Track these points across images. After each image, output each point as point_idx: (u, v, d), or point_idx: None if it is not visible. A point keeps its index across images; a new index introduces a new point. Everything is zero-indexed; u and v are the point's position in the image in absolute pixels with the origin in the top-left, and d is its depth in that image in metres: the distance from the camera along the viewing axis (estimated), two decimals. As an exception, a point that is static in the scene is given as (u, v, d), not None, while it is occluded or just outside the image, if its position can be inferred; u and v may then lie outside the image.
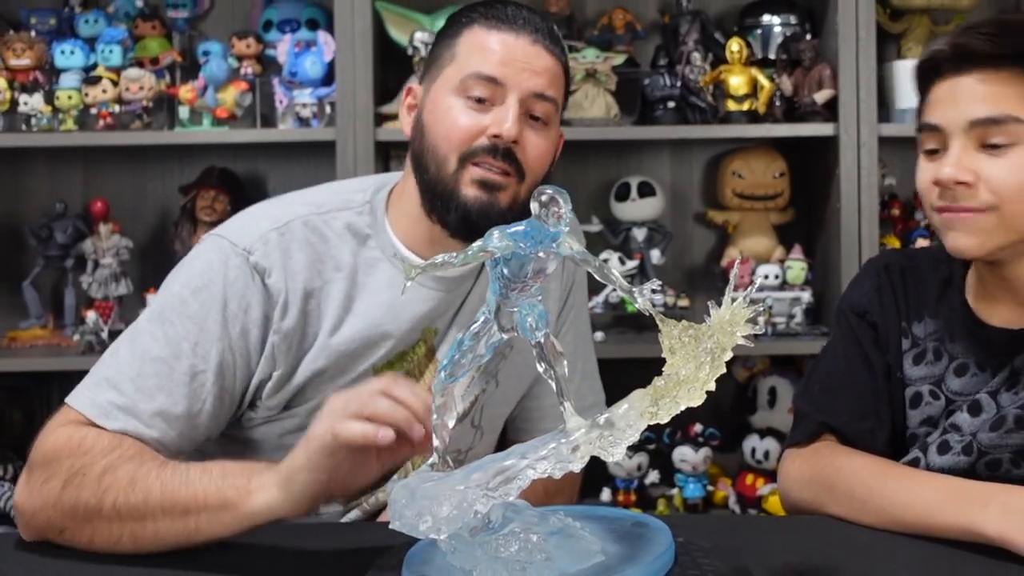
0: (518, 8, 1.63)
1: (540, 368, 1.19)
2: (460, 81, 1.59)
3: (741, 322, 1.13)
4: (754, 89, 2.92)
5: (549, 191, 1.15)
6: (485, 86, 1.58)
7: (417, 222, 1.66)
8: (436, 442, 1.26)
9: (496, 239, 1.16)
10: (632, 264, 3.01)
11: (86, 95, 2.88)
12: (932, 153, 1.54)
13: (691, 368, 1.13)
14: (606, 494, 2.95)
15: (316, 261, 1.62)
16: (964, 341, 1.62)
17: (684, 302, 2.98)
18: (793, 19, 3.08)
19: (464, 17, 1.65)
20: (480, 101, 1.59)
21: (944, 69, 1.52)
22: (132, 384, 1.51)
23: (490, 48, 1.60)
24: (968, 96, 1.49)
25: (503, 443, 1.88)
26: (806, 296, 2.89)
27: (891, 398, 1.65)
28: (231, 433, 1.66)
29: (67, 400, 1.53)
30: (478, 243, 1.16)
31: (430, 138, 1.61)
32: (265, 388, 1.61)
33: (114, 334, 2.85)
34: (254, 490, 1.35)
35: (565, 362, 1.20)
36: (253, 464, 1.41)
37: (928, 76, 1.56)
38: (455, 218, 1.59)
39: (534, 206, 1.15)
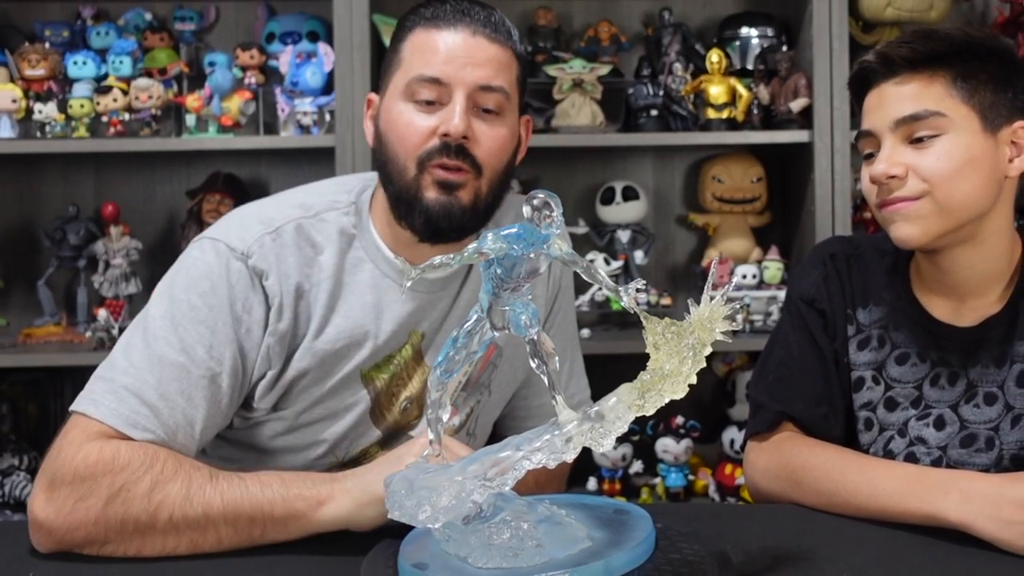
0: (457, 3, 1.58)
1: (533, 364, 1.19)
2: (406, 86, 1.55)
3: (719, 319, 1.13)
4: (733, 98, 2.93)
5: (541, 195, 1.14)
6: (430, 88, 1.53)
7: (392, 225, 1.62)
8: (431, 435, 1.26)
9: (490, 241, 1.15)
10: (617, 264, 3.02)
11: (97, 104, 2.87)
12: (870, 157, 1.59)
13: (675, 363, 1.13)
14: (592, 483, 2.95)
15: (305, 264, 1.58)
16: (907, 331, 1.64)
17: (666, 300, 2.98)
18: (770, 31, 3.09)
19: (408, 21, 1.60)
20: (429, 103, 1.54)
21: (872, 79, 1.59)
22: (155, 391, 1.45)
23: (430, 49, 1.55)
24: (893, 99, 1.56)
25: (491, 441, 1.89)
26: (782, 295, 2.89)
27: (842, 383, 1.67)
28: (223, 435, 1.62)
29: (84, 410, 1.44)
30: (473, 245, 1.15)
31: (389, 147, 1.57)
32: (258, 388, 1.58)
33: (124, 331, 2.86)
34: (324, 501, 1.36)
35: (556, 358, 1.20)
36: (312, 474, 1.41)
37: (860, 88, 1.62)
38: (420, 222, 1.55)
39: (526, 209, 1.15)
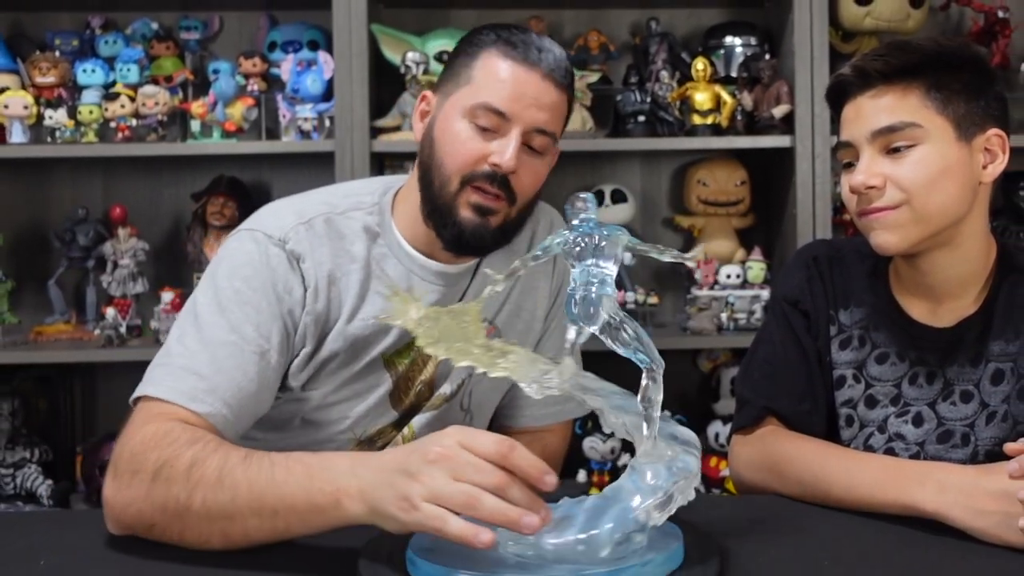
0: (539, 38, 1.61)
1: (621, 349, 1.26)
2: (471, 108, 1.58)
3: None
4: (717, 104, 2.92)
5: (581, 196, 1.24)
6: (492, 118, 1.57)
7: (419, 222, 1.65)
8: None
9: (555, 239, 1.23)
10: (606, 264, 3.01)
11: (106, 110, 2.87)
12: (849, 167, 1.58)
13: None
14: (582, 475, 2.95)
15: (336, 254, 1.61)
16: (887, 331, 1.64)
17: (653, 299, 2.97)
18: (753, 40, 3.09)
19: (485, 37, 1.62)
20: (485, 129, 1.58)
21: (850, 91, 1.58)
22: (210, 367, 1.46)
23: (503, 79, 1.57)
24: (869, 111, 1.54)
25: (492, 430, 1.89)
26: (765, 294, 2.89)
27: (824, 380, 1.67)
28: None
29: (144, 392, 1.45)
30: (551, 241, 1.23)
31: (437, 154, 1.60)
32: (293, 365, 1.60)
33: (131, 329, 2.86)
34: (342, 498, 1.23)
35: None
36: (333, 462, 1.27)
37: (838, 99, 1.61)
38: (449, 234, 1.61)
39: (567, 206, 1.24)
